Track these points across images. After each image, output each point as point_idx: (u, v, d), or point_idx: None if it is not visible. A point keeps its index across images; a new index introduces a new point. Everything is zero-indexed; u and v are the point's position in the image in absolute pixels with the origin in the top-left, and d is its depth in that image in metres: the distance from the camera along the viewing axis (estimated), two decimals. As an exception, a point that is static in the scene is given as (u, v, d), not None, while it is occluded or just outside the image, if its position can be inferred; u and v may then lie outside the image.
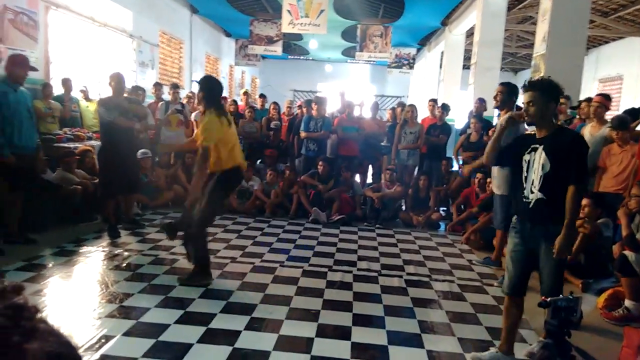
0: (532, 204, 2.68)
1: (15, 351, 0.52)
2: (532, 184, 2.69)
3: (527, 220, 2.75)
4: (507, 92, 4.38)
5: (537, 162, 2.66)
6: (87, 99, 7.70)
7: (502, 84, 4.56)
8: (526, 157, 2.73)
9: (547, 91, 2.67)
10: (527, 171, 2.72)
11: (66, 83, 6.78)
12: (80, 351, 2.75)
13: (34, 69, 4.65)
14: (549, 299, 2.02)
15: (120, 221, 5.54)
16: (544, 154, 2.64)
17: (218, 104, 3.98)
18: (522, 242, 2.77)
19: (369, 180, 7.75)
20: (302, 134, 7.18)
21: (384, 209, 6.58)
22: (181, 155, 7.11)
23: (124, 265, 4.27)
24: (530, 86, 2.71)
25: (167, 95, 7.84)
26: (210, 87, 3.98)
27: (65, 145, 6.00)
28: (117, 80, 5.08)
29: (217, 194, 3.93)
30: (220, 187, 3.91)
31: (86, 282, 3.90)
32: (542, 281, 2.66)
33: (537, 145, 2.69)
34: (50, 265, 4.12)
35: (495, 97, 4.47)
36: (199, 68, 13.94)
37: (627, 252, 3.62)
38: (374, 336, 3.16)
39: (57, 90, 6.71)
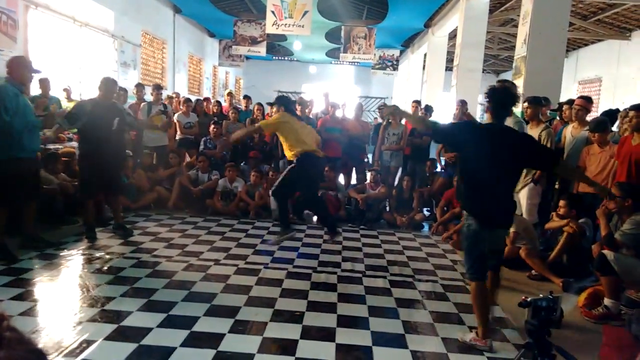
0: None
1: None
2: None
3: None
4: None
5: None
6: (69, 99, 7.60)
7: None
8: None
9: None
10: None
11: (43, 83, 6.64)
12: (60, 356, 2.71)
13: (38, 71, 4.52)
14: (529, 299, 2.05)
15: (104, 225, 5.47)
16: None
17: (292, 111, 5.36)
18: None
19: (353, 181, 7.77)
20: (286, 135, 7.16)
21: (368, 210, 6.60)
22: (164, 157, 7.05)
23: (106, 268, 4.21)
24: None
25: (149, 96, 7.76)
26: (285, 102, 5.35)
27: (50, 147, 5.93)
28: (106, 84, 5.15)
29: (294, 174, 5.00)
30: (298, 170, 4.99)
31: (67, 285, 3.84)
32: None
33: None
34: (30, 269, 4.05)
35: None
36: (182, 68, 13.85)
37: (606, 252, 3.68)
38: (358, 337, 3.16)
39: (34, 91, 6.59)
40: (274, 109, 5.49)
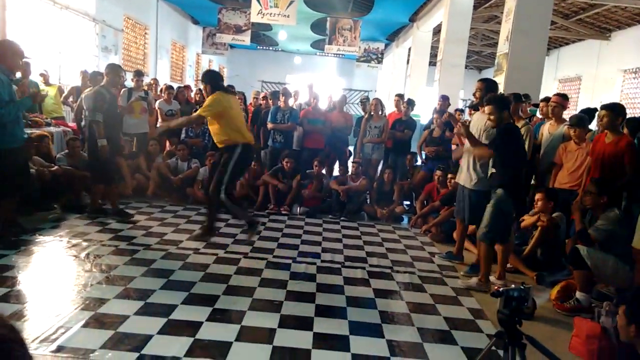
0: (489, 176, 4.14)
1: None
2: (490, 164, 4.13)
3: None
4: (486, 88, 4.50)
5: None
6: (47, 83, 7.46)
7: (480, 80, 4.70)
8: None
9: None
10: None
11: (24, 67, 6.50)
12: (36, 342, 2.70)
13: (27, 58, 4.39)
14: (501, 289, 2.10)
15: (81, 212, 5.43)
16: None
17: (223, 88, 4.82)
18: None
19: (336, 173, 7.79)
20: (269, 125, 7.15)
21: (349, 202, 6.64)
22: (144, 144, 6.97)
23: (83, 255, 4.17)
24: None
25: (130, 82, 7.65)
26: (212, 76, 4.87)
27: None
28: (112, 70, 5.30)
29: (233, 167, 4.63)
30: (236, 161, 4.63)
31: (43, 272, 3.79)
32: (482, 221, 4.07)
33: None
34: (5, 254, 3.98)
35: (474, 94, 4.61)
36: (164, 55, 13.67)
37: (579, 246, 3.77)
38: (335, 326, 3.20)
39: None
40: (206, 88, 4.84)
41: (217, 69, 20.88)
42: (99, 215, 5.37)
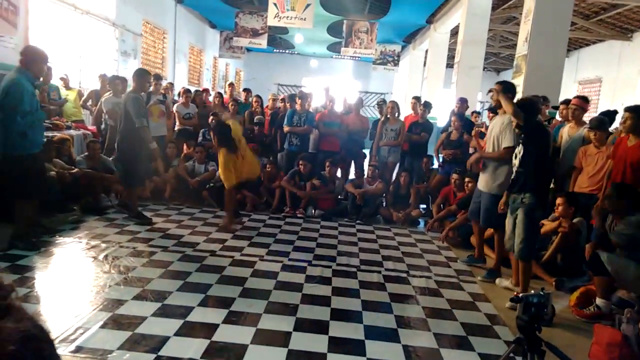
0: (514, 178, 3.91)
1: None
2: (515, 165, 3.91)
3: (510, 192, 3.96)
4: (503, 90, 4.38)
5: (518, 150, 3.90)
6: (67, 87, 7.59)
7: (498, 82, 4.49)
8: (517, 149, 3.98)
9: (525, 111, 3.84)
10: (516, 157, 3.93)
11: (46, 71, 6.64)
12: (55, 341, 2.74)
13: (50, 62, 4.46)
14: (520, 295, 2.07)
15: (100, 214, 5.52)
16: (521, 144, 3.89)
17: (229, 145, 5.34)
18: (511, 212, 3.97)
19: (352, 176, 7.78)
20: (285, 128, 7.17)
21: (365, 205, 6.62)
22: (162, 147, 7.04)
23: (102, 257, 4.23)
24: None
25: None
26: (220, 131, 5.41)
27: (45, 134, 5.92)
28: (140, 76, 5.42)
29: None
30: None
31: (62, 273, 3.85)
32: (516, 238, 3.87)
33: (520, 141, 3.92)
34: (26, 255, 4.06)
35: (492, 97, 4.50)
36: (182, 59, 13.82)
37: (599, 252, 3.71)
38: (351, 331, 3.19)
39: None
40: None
41: (234, 72, 21.05)
42: (145, 220, 5.44)
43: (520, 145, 3.89)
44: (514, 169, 3.96)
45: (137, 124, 5.18)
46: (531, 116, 3.87)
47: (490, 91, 4.56)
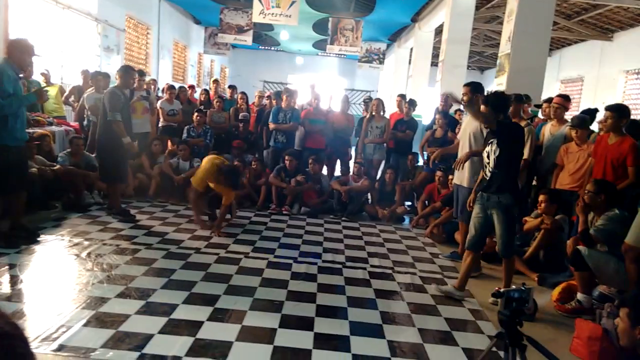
0: (489, 178, 3.79)
1: None
2: (490, 166, 3.78)
3: (485, 192, 3.84)
4: (472, 91, 4.53)
5: (491, 151, 3.76)
6: (48, 82, 7.46)
7: (465, 84, 4.70)
8: (487, 148, 3.83)
9: (494, 106, 3.71)
10: (488, 158, 3.81)
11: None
12: (37, 341, 2.70)
13: (37, 55, 4.40)
14: (502, 290, 2.10)
15: (83, 211, 5.46)
16: (495, 144, 3.73)
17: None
18: (482, 210, 3.86)
19: (337, 173, 7.80)
20: (271, 126, 7.15)
21: (351, 202, 6.64)
22: (146, 144, 6.98)
23: (85, 254, 4.17)
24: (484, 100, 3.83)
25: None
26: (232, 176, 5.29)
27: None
28: (125, 72, 5.42)
29: None
30: None
31: (45, 271, 3.79)
32: (499, 238, 3.80)
33: (492, 140, 3.77)
34: (7, 253, 3.99)
35: (462, 99, 4.59)
36: (166, 55, 13.68)
37: (580, 247, 3.77)
38: (336, 327, 3.20)
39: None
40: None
41: (219, 69, 20.91)
42: (128, 217, 5.39)
43: (495, 145, 3.73)
44: (488, 169, 3.82)
45: (109, 116, 5.21)
46: (503, 113, 3.76)
47: (445, 94, 4.64)
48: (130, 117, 5.58)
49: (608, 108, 4.37)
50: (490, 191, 3.79)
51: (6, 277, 3.54)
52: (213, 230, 5.17)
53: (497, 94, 3.90)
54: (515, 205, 3.81)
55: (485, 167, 3.86)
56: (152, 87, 8.78)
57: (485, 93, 4.23)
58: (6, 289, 3.34)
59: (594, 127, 5.62)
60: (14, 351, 0.57)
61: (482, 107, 3.78)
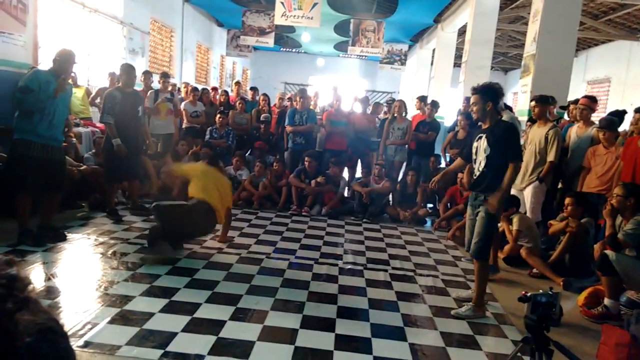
0: (477, 177, 3.62)
1: (7, 319, 0.53)
2: (480, 164, 3.59)
3: (473, 190, 3.72)
4: (483, 98, 4.19)
5: (481, 147, 3.58)
6: (75, 85, 7.62)
7: (473, 89, 3.84)
8: (475, 144, 3.65)
9: (484, 93, 3.53)
10: (476, 154, 3.64)
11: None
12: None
13: (77, 63, 4.63)
14: (529, 294, 2.06)
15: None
16: (486, 141, 3.54)
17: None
18: (472, 211, 3.74)
19: (358, 175, 7.78)
20: (288, 128, 7.17)
21: (372, 204, 6.61)
22: (170, 145, 7.07)
23: (109, 253, 4.25)
24: (472, 90, 3.62)
25: (156, 84, 7.78)
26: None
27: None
28: (126, 71, 5.47)
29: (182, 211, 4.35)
30: (189, 209, 4.35)
31: (70, 269, 3.88)
32: (474, 237, 3.60)
33: (482, 135, 3.59)
34: (35, 251, 4.09)
35: (471, 109, 3.92)
36: (189, 57, 13.85)
37: (608, 252, 3.69)
38: (357, 328, 3.19)
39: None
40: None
41: (240, 71, 21.07)
42: (116, 217, 5.38)
43: (486, 143, 3.54)
44: (477, 167, 3.65)
45: (101, 118, 5.39)
46: (493, 102, 3.53)
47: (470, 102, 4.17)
48: (137, 116, 5.51)
49: (638, 110, 4.27)
50: (479, 189, 3.66)
51: (31, 274, 3.62)
52: (219, 239, 4.89)
53: (486, 84, 3.62)
54: (501, 207, 3.61)
55: (474, 161, 3.70)
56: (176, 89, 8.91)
57: (501, 94, 3.70)
58: (35, 286, 3.41)
59: (622, 129, 5.49)
60: (56, 346, 0.58)
61: (472, 98, 3.58)
